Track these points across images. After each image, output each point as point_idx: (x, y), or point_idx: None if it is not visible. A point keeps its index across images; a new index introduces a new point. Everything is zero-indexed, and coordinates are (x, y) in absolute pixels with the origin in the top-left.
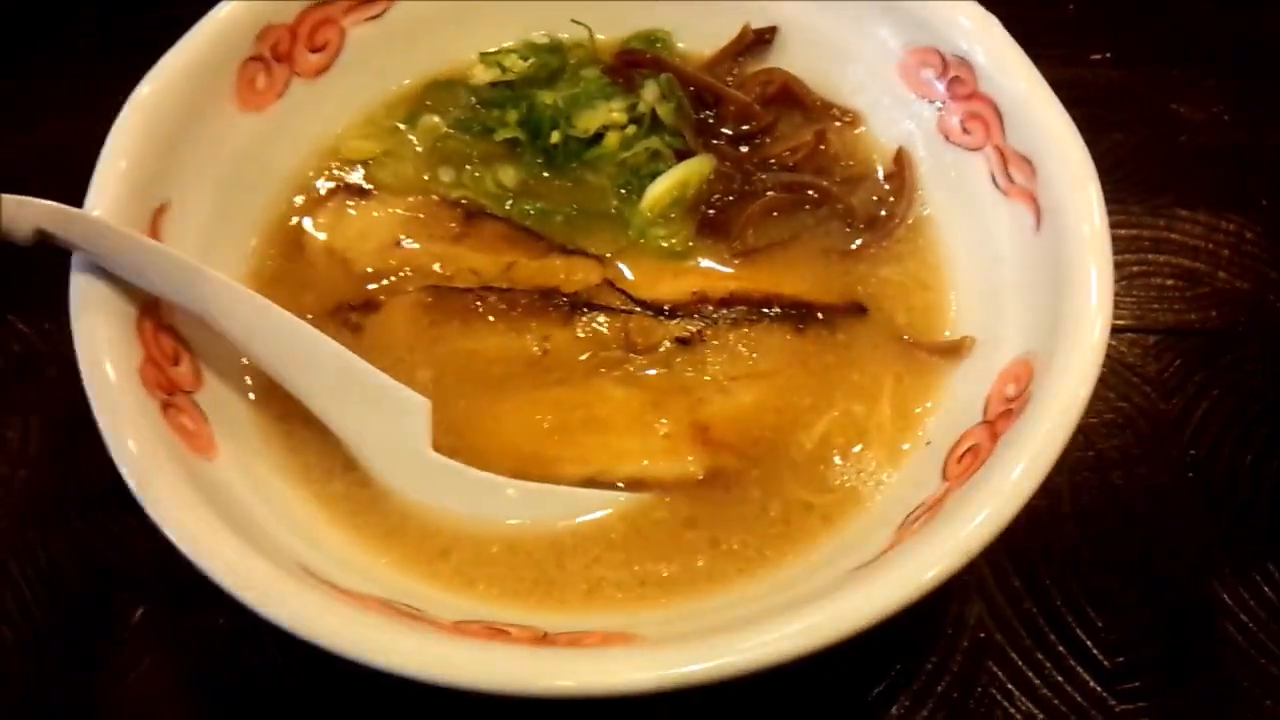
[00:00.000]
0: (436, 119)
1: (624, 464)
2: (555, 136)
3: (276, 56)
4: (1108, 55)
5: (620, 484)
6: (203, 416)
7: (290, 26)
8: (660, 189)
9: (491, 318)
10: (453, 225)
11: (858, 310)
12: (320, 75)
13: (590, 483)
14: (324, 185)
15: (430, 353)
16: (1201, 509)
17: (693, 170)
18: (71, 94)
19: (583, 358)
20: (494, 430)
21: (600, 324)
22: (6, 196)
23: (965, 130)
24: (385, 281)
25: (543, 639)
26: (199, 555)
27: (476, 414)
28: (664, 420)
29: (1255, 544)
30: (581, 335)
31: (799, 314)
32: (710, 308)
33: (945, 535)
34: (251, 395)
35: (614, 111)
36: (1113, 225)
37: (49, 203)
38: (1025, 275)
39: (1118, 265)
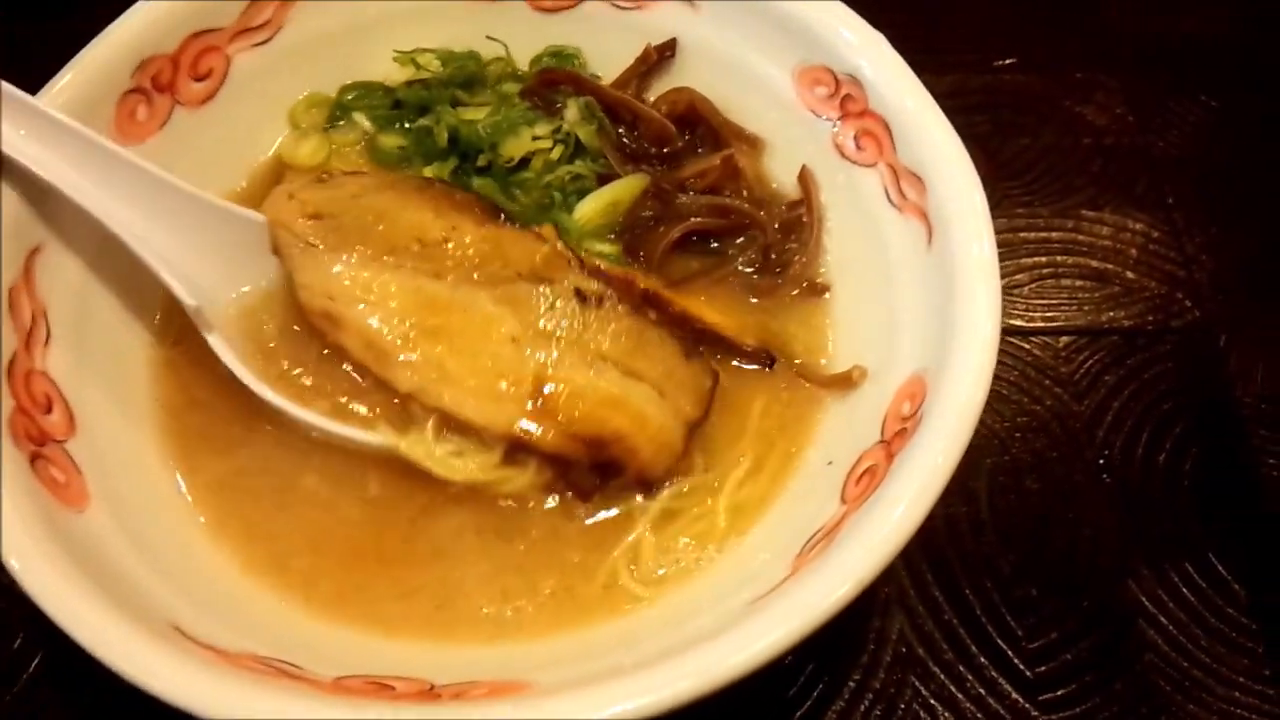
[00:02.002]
0: (360, 117)
1: (449, 390)
2: (482, 160)
3: (158, 87)
4: (1013, 61)
5: (434, 411)
6: (74, 466)
7: (172, 56)
8: (592, 206)
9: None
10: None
11: (766, 360)
12: (205, 103)
13: (408, 398)
14: None
15: (355, 199)
16: (1117, 510)
17: (624, 189)
18: None
19: (477, 265)
20: (357, 299)
21: (514, 245)
22: None
23: (859, 147)
24: None
25: (429, 693)
26: (64, 619)
27: (352, 276)
28: (515, 361)
29: (1170, 544)
30: (491, 241)
31: (690, 347)
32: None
33: (838, 564)
34: (131, 434)
35: (538, 138)
36: (1023, 229)
37: None
38: (919, 291)
39: (1029, 268)
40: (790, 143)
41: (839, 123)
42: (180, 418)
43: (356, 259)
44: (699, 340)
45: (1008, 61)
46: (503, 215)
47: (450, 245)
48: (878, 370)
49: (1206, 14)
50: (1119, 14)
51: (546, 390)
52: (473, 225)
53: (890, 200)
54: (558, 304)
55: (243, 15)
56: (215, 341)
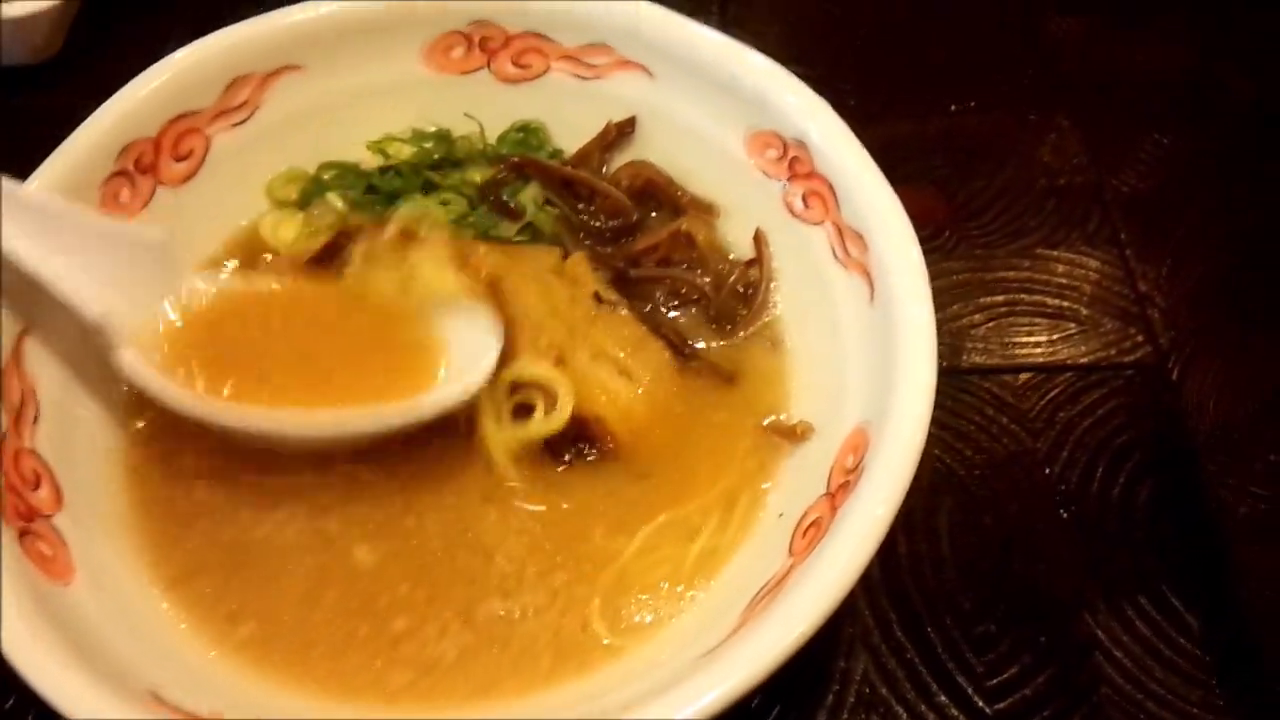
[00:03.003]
0: (334, 197)
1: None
2: None
3: (140, 169)
4: (972, 104)
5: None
6: (61, 540)
7: (154, 139)
8: None
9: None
10: None
11: (727, 377)
12: (186, 182)
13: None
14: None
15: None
16: (1074, 545)
17: None
18: None
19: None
20: None
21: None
22: None
23: (807, 206)
24: None
25: None
26: (48, 691)
27: None
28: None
29: (1126, 578)
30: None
31: (686, 354)
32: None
33: (782, 617)
34: (108, 509)
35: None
36: (980, 269)
37: None
38: (863, 345)
39: (987, 308)
40: (744, 203)
41: (788, 183)
42: (151, 499)
43: None
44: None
45: (968, 104)
46: None
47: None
48: (826, 424)
49: (1157, 52)
50: (1072, 53)
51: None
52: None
53: (836, 257)
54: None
55: (221, 97)
56: (128, 357)
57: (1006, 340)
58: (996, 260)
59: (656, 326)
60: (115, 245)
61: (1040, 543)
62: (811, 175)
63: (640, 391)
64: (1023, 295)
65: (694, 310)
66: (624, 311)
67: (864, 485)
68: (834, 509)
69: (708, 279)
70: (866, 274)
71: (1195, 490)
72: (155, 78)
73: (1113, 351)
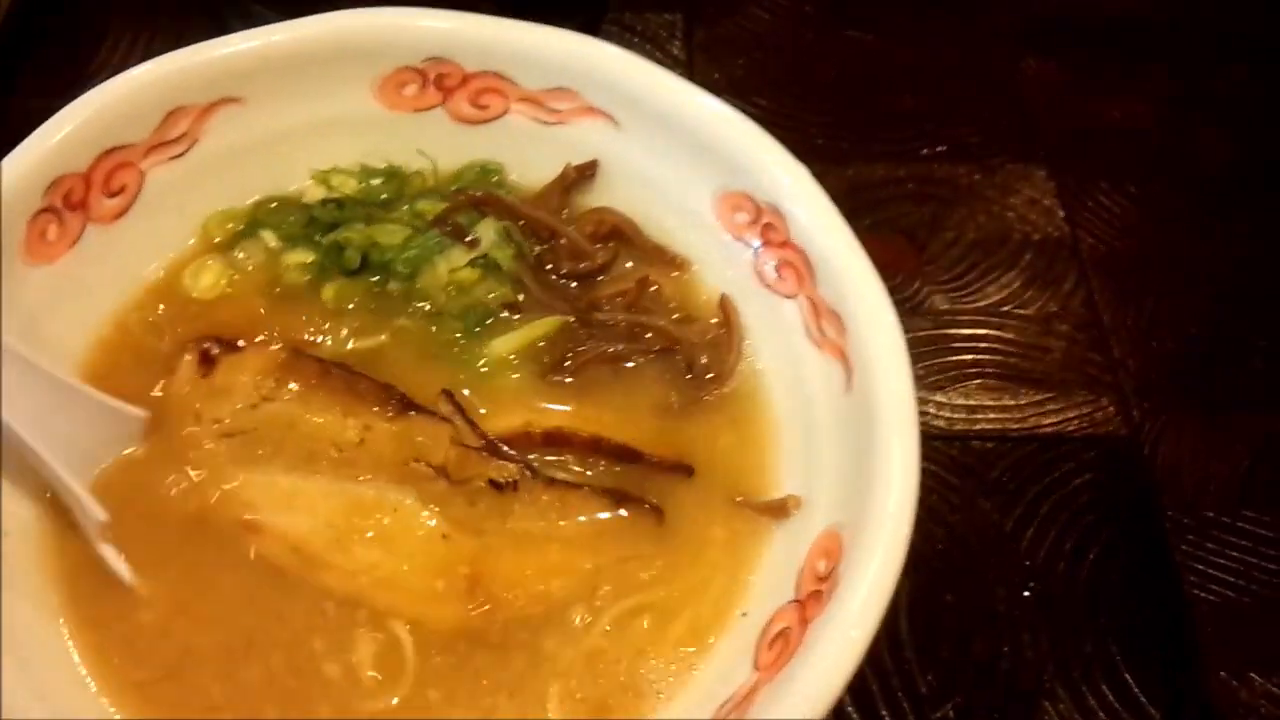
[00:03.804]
0: (269, 234)
1: (387, 593)
2: (394, 286)
3: (69, 205)
4: (944, 149)
5: (371, 611)
6: None
7: (84, 174)
8: (509, 344)
9: (329, 392)
10: (311, 382)
11: (685, 471)
12: (118, 219)
13: (346, 600)
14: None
15: (259, 408)
16: (1036, 628)
17: (542, 330)
18: None
19: (396, 464)
20: (281, 507)
21: (424, 434)
22: None
23: (780, 276)
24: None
25: None
26: None
27: (271, 487)
28: (447, 557)
29: (1089, 664)
30: (402, 437)
31: (620, 495)
32: (535, 451)
33: None
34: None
35: (456, 269)
36: (947, 325)
37: None
38: (836, 436)
39: (953, 367)
40: (711, 265)
41: (759, 250)
42: (66, 574)
43: (275, 471)
44: (615, 458)
45: (939, 149)
46: (403, 399)
47: (365, 446)
48: (793, 517)
49: (1131, 103)
50: (1046, 102)
51: (485, 580)
52: (382, 423)
53: (809, 335)
54: (478, 501)
55: (157, 130)
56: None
57: (973, 403)
58: (964, 317)
59: (571, 483)
60: (102, 419)
61: (1002, 623)
62: (785, 244)
63: (580, 545)
64: (990, 356)
65: (662, 362)
66: (528, 483)
67: (838, 602)
68: (804, 620)
69: (680, 324)
70: (843, 358)
71: (1163, 573)
72: (86, 108)
73: (1083, 423)
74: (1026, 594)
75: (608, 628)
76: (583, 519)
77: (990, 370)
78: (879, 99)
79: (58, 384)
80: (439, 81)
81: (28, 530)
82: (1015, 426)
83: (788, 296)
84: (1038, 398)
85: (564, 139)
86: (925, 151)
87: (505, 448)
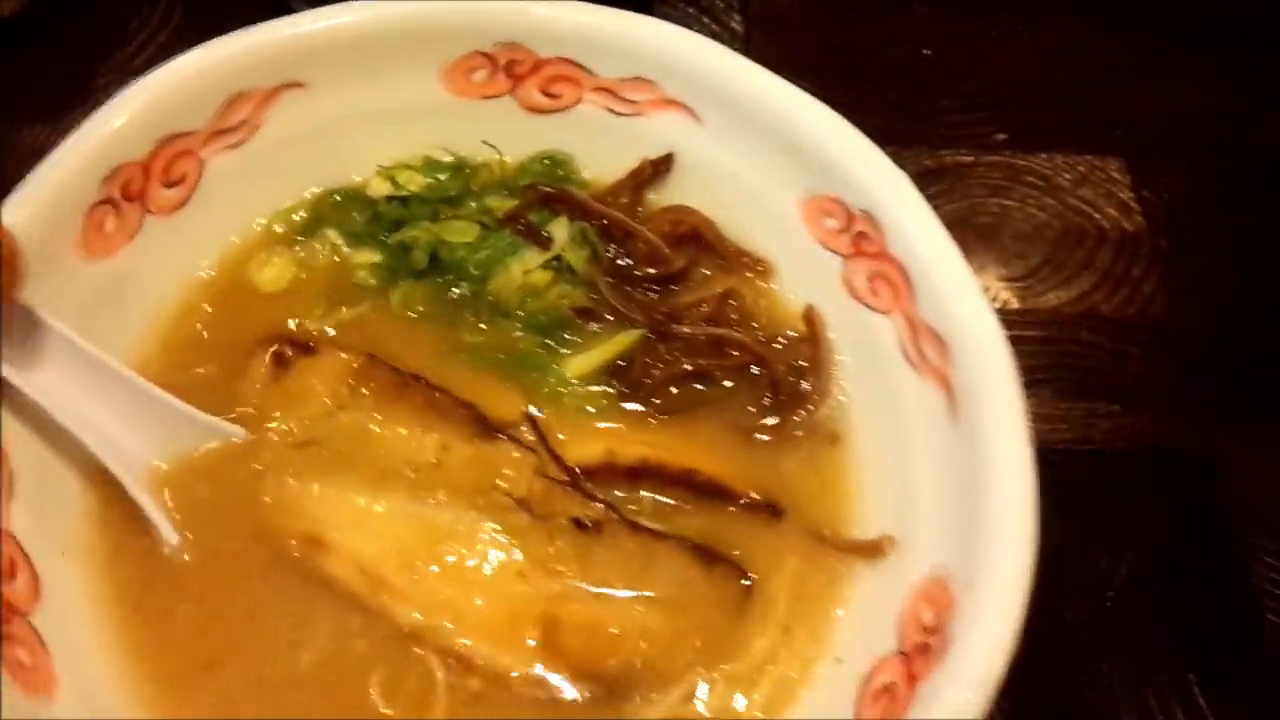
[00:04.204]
0: (333, 234)
1: (461, 630)
2: (464, 289)
3: (127, 196)
4: (1007, 136)
5: (442, 651)
6: (41, 644)
7: (143, 163)
8: (585, 363)
9: (406, 406)
10: (387, 393)
11: (773, 512)
12: (177, 210)
13: (415, 636)
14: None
15: (333, 418)
16: (1110, 649)
17: (620, 345)
18: None
19: (473, 488)
20: (351, 526)
21: (505, 461)
22: None
23: (873, 290)
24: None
25: None
26: None
27: (341, 503)
28: (522, 597)
29: (1163, 691)
30: (482, 462)
31: (710, 554)
32: (619, 483)
33: None
34: (95, 598)
35: (530, 271)
36: (1017, 325)
37: None
38: (939, 471)
39: (1025, 372)
40: (794, 274)
41: (849, 260)
42: (134, 596)
43: (347, 486)
44: (704, 494)
45: (1005, 136)
46: (485, 420)
47: (442, 467)
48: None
49: (1217, 90)
50: (1123, 87)
51: (558, 629)
52: (461, 442)
53: (907, 357)
54: (558, 540)
55: (218, 116)
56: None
57: (1045, 412)
58: (1034, 317)
59: (658, 532)
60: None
61: (1074, 646)
62: (881, 255)
63: (663, 604)
64: (1064, 361)
65: (745, 381)
66: (614, 527)
67: (954, 665)
68: (911, 678)
69: (765, 341)
70: (947, 385)
71: (1242, 598)
72: (145, 92)
73: (1161, 438)
74: (1100, 617)
75: (687, 696)
76: (666, 574)
77: (1062, 379)
78: (945, 79)
79: (125, 383)
80: (509, 68)
81: (86, 547)
82: (1087, 439)
83: (881, 312)
84: (1113, 408)
85: (639, 132)
86: (994, 138)
87: (588, 482)
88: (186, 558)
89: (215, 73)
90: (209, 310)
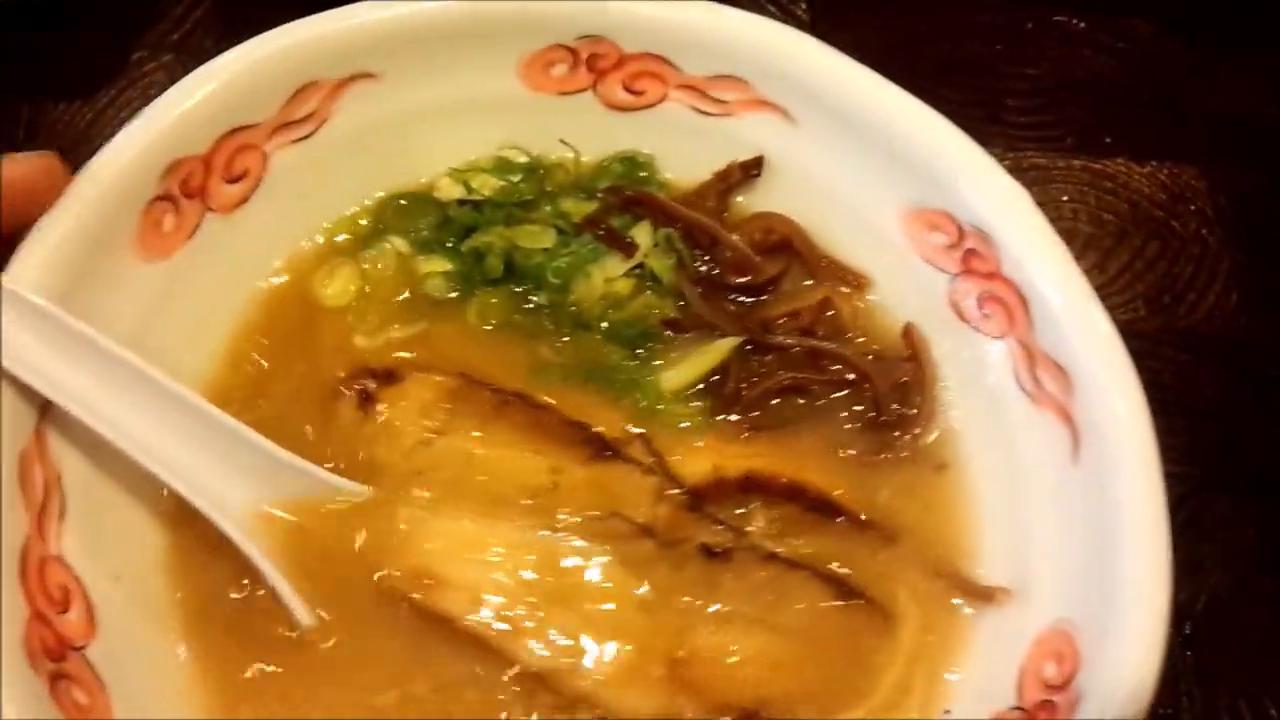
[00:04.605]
0: (399, 239)
1: (585, 667)
2: (542, 298)
3: (187, 192)
4: (1075, 139)
5: (566, 690)
6: (97, 680)
7: (204, 157)
8: (683, 377)
9: (510, 427)
10: (487, 414)
11: (887, 536)
12: (238, 208)
13: (536, 679)
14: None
15: (432, 445)
16: (1191, 680)
17: (717, 355)
18: None
19: (592, 514)
20: (464, 558)
21: (624, 484)
22: None
23: (983, 312)
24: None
25: None
26: None
27: (453, 534)
28: (648, 630)
29: None
30: (599, 486)
31: (844, 586)
32: (729, 499)
33: None
34: (147, 630)
35: (612, 279)
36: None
37: None
38: (1061, 513)
39: None
40: (893, 290)
41: (958, 279)
42: (198, 616)
43: (456, 515)
44: (813, 510)
45: (1073, 138)
46: (599, 439)
47: (558, 491)
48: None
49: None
50: (1193, 95)
51: (687, 663)
52: (575, 465)
53: (1022, 386)
54: (685, 568)
55: (285, 107)
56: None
57: None
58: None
59: (790, 560)
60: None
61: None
62: (994, 276)
63: (795, 637)
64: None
65: (844, 399)
66: (744, 555)
67: None
68: None
69: (868, 356)
70: (1069, 420)
71: None
72: (209, 81)
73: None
74: (1180, 646)
75: None
76: (799, 605)
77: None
78: (1012, 77)
79: (219, 426)
80: (592, 62)
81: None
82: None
83: (993, 337)
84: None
85: (727, 133)
86: (1065, 141)
87: (706, 505)
88: (261, 591)
89: (284, 61)
90: (271, 325)
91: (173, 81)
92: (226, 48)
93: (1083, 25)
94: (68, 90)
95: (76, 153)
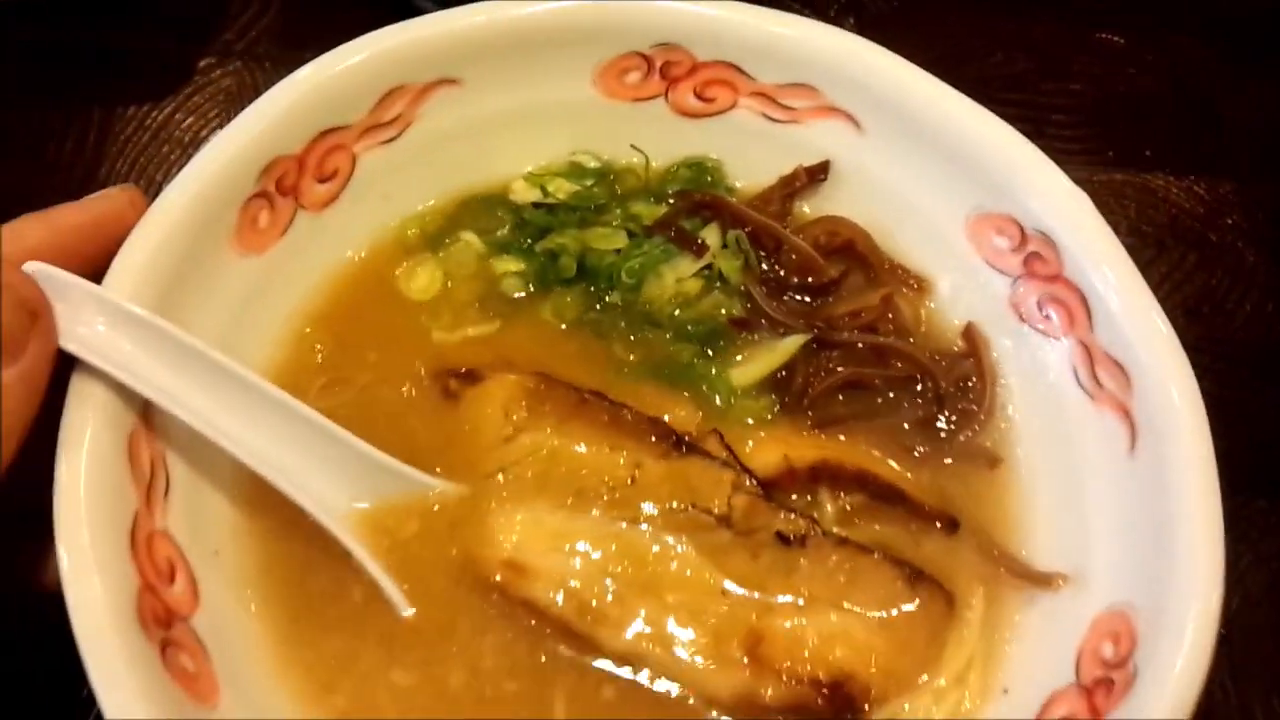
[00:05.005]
0: (473, 238)
1: (668, 654)
2: (615, 297)
3: (282, 190)
4: (1116, 154)
5: (646, 672)
6: (202, 649)
7: (298, 157)
8: (753, 373)
9: (590, 424)
10: (567, 412)
11: (950, 524)
12: (327, 206)
13: (621, 658)
14: None
15: (514, 441)
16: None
17: (785, 353)
18: None
19: (671, 506)
20: (550, 549)
21: (701, 478)
22: None
23: (1044, 314)
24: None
25: None
26: None
27: (537, 526)
28: (726, 615)
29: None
30: (678, 479)
31: (913, 571)
32: (798, 489)
33: None
34: (252, 605)
35: (683, 279)
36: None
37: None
38: (1118, 503)
39: None
40: (955, 292)
41: (1020, 281)
42: (287, 594)
43: (541, 508)
44: (879, 498)
45: (1114, 154)
46: (676, 439)
47: (638, 485)
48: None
49: None
50: (1232, 112)
51: (766, 644)
52: (653, 460)
53: (1081, 384)
54: (761, 556)
55: (373, 111)
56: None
57: None
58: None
59: (862, 546)
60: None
61: None
62: (1056, 279)
63: (868, 619)
64: None
65: (907, 394)
66: (817, 541)
67: (1140, 698)
68: (1094, 709)
69: (929, 355)
70: (1127, 416)
71: None
72: (303, 84)
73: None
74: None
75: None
76: (872, 589)
77: None
78: (1055, 93)
79: (318, 429)
80: (665, 70)
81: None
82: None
83: (1053, 337)
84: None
85: (795, 140)
86: (1106, 154)
87: (780, 494)
88: (349, 576)
89: (375, 65)
90: (353, 320)
91: (242, 88)
92: (290, 56)
93: (1123, 42)
94: (137, 95)
95: (149, 154)
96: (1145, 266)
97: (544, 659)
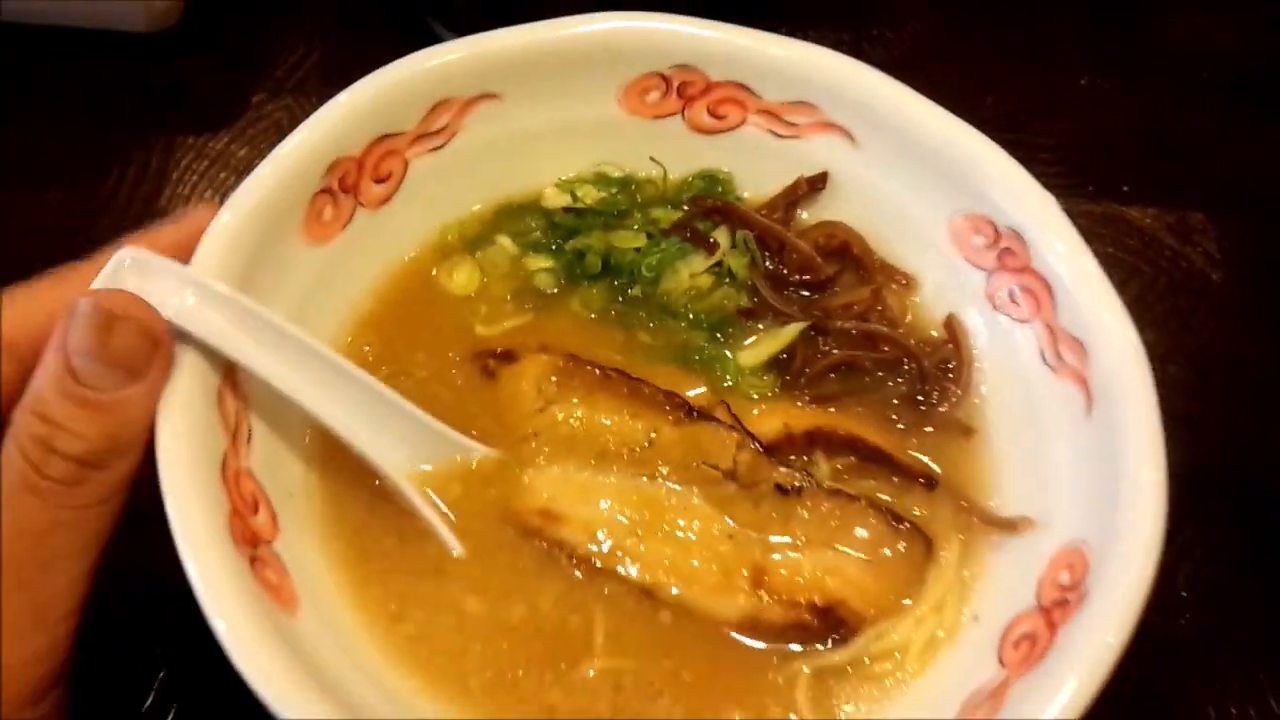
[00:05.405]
0: (508, 241)
1: (681, 585)
2: (636, 290)
3: (344, 188)
4: (1094, 188)
5: (664, 601)
6: (283, 567)
7: (358, 158)
8: (758, 355)
9: (612, 396)
10: (592, 387)
11: (929, 482)
12: (382, 205)
13: (643, 590)
14: None
15: (546, 412)
16: (1196, 653)
17: (787, 337)
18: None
19: (683, 463)
20: (579, 500)
21: (710, 440)
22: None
23: (1014, 301)
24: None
25: None
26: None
27: (568, 481)
28: (732, 554)
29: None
30: (690, 442)
31: (895, 515)
32: (795, 451)
33: None
34: (322, 544)
35: (696, 274)
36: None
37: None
38: (1076, 458)
39: None
40: (938, 287)
41: (993, 274)
42: (349, 535)
43: (570, 468)
44: (867, 459)
45: (1091, 187)
46: (688, 408)
47: (655, 447)
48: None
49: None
50: (1204, 151)
51: (767, 577)
52: (669, 426)
53: (1045, 361)
54: (762, 504)
55: (423, 120)
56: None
57: None
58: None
59: (850, 495)
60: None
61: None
62: (1025, 270)
63: (859, 557)
64: None
65: (892, 373)
66: (811, 490)
67: (1090, 609)
68: (1051, 625)
69: (914, 341)
70: (1084, 384)
71: None
72: (364, 93)
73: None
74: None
75: (872, 640)
76: (861, 531)
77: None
78: (1042, 131)
79: (385, 400)
80: (681, 89)
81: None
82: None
83: (1022, 322)
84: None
85: (797, 153)
86: (1089, 189)
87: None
88: (405, 523)
89: (424, 79)
90: (402, 310)
91: (291, 120)
92: (333, 92)
93: (1104, 87)
94: (195, 124)
95: (207, 179)
96: (1120, 286)
97: (580, 590)
